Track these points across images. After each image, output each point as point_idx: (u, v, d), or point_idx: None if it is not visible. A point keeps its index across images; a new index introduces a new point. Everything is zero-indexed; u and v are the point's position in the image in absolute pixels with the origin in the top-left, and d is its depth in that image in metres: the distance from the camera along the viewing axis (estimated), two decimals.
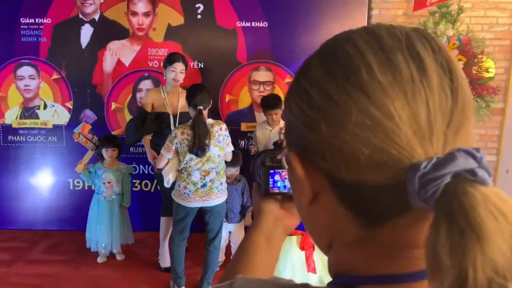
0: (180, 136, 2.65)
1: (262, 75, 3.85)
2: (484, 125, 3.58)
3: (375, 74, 0.37)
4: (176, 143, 2.67)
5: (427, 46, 0.39)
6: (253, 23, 3.78)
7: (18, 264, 3.35)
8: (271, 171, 0.72)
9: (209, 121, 2.71)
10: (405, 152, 0.36)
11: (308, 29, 3.78)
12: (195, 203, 2.76)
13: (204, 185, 2.73)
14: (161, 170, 2.84)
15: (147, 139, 3.20)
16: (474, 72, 3.07)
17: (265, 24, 3.78)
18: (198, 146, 2.60)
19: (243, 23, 3.79)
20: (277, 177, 0.73)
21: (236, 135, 3.84)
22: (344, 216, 0.41)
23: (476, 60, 3.10)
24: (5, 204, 4.08)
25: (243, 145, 3.88)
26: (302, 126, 0.41)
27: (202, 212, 2.89)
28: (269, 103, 3.36)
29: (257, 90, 3.87)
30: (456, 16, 3.27)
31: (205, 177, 2.72)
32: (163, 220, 3.26)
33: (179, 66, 3.08)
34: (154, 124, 3.15)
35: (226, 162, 2.93)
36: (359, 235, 0.41)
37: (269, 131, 3.38)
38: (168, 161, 2.77)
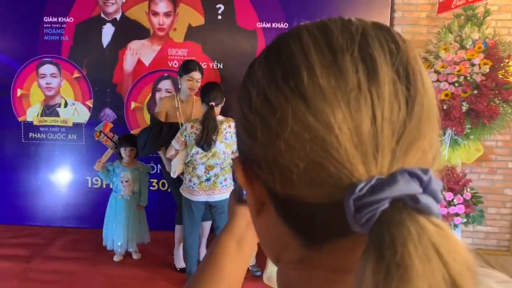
0: (189, 129, 2.74)
1: None
2: (510, 131, 3.49)
3: (317, 77, 0.32)
4: (185, 136, 2.76)
5: (384, 47, 0.34)
6: (273, 24, 3.76)
7: (36, 260, 3.38)
8: None
9: (219, 117, 2.77)
10: (344, 169, 0.31)
11: None
12: (199, 196, 2.82)
13: (208, 179, 2.80)
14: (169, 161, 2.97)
15: (163, 150, 3.16)
16: (500, 76, 2.98)
17: (286, 25, 3.75)
18: (205, 140, 2.68)
19: (264, 24, 3.77)
20: None
21: None
22: (286, 231, 0.37)
23: (502, 65, 3.00)
24: (25, 200, 4.13)
25: None
26: (242, 131, 0.38)
27: (210, 209, 2.94)
28: None
29: None
30: (482, 19, 3.18)
31: (209, 171, 2.78)
32: (177, 227, 3.26)
33: (196, 75, 3.03)
34: (169, 135, 3.14)
35: None
36: (301, 254, 0.37)
37: None
38: (177, 153, 2.87)
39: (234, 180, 0.75)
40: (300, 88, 0.33)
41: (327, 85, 0.32)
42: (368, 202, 0.29)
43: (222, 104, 2.82)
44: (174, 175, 2.93)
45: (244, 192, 0.70)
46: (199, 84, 3.09)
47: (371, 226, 0.29)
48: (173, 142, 2.84)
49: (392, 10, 3.73)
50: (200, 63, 3.76)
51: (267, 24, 3.76)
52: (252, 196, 0.39)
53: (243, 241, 0.68)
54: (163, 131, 3.10)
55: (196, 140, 2.71)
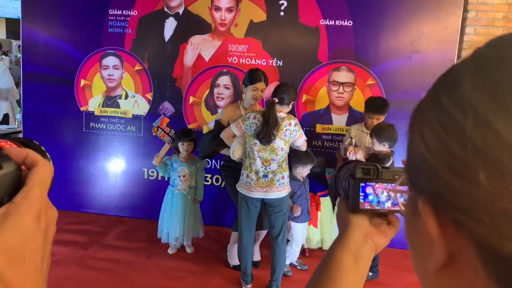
0: (252, 119, 2.75)
1: (343, 75, 3.71)
2: None
3: None
4: (247, 125, 2.77)
5: None
6: (337, 22, 3.65)
7: (93, 247, 3.47)
8: (362, 184, 0.65)
9: (281, 114, 2.76)
10: None
11: (395, 30, 3.59)
12: (256, 193, 2.79)
13: (265, 176, 2.77)
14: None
15: (223, 151, 3.13)
16: None
17: (350, 23, 3.63)
18: (265, 134, 2.68)
19: (327, 21, 3.67)
20: (369, 190, 0.65)
21: (310, 136, 3.75)
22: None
23: None
24: (83, 188, 4.26)
25: (320, 146, 3.77)
26: (444, 169, 0.30)
27: (265, 207, 2.90)
28: (375, 106, 3.21)
29: (336, 91, 3.74)
30: None
31: (266, 166, 2.75)
32: (233, 233, 3.24)
33: (260, 86, 2.97)
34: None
35: (299, 160, 3.06)
36: None
37: (366, 134, 3.23)
38: (232, 136, 2.89)
39: (343, 187, 0.70)
40: None
41: None
42: None
43: (288, 104, 2.78)
44: (233, 156, 2.90)
45: (380, 201, 0.65)
46: (263, 94, 3.04)
47: None
48: (232, 126, 2.85)
49: (465, 10, 3.53)
50: (260, 60, 3.74)
51: (330, 21, 3.66)
52: (440, 246, 0.32)
53: (360, 256, 0.63)
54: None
55: (256, 133, 2.71)
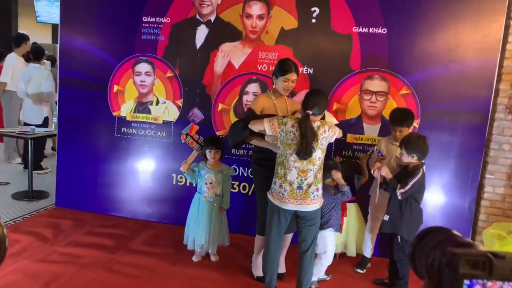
0: (289, 127, 2.62)
1: (376, 84, 3.60)
2: None
3: None
4: (282, 130, 2.64)
5: None
6: (371, 29, 3.56)
7: (120, 252, 3.50)
8: (467, 281, 0.50)
9: (316, 124, 2.65)
10: None
11: (432, 38, 3.46)
12: (290, 205, 2.68)
13: (300, 187, 2.65)
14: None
15: (257, 139, 2.98)
16: None
17: (384, 31, 3.53)
18: (305, 151, 2.57)
19: (360, 28, 3.58)
20: None
21: (341, 146, 3.66)
22: None
23: None
24: (113, 191, 4.33)
25: (351, 156, 3.67)
26: None
27: (296, 219, 2.80)
28: (396, 118, 3.16)
29: (369, 100, 3.63)
30: None
31: (302, 177, 2.64)
32: (258, 238, 3.18)
33: (292, 76, 2.93)
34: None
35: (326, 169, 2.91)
36: None
37: (396, 146, 3.13)
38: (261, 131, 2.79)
39: (427, 265, 0.55)
40: None
41: None
42: None
43: (321, 114, 2.69)
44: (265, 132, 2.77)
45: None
46: (294, 85, 3.00)
47: None
48: (266, 123, 2.68)
49: (508, 17, 3.36)
50: None
51: (364, 29, 3.57)
52: None
53: None
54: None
55: (296, 149, 2.60)
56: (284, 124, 2.64)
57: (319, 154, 2.66)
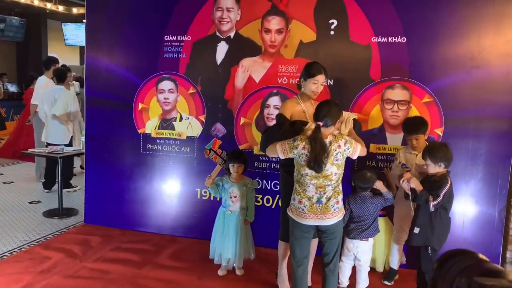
0: (300, 149, 2.60)
1: (397, 93, 3.58)
2: None
3: None
4: (294, 154, 2.64)
5: None
6: (390, 39, 3.55)
7: (147, 267, 3.55)
8: None
9: (329, 138, 2.59)
10: None
11: (452, 45, 3.42)
12: (310, 220, 2.65)
13: (319, 201, 2.63)
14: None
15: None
16: None
17: (403, 40, 3.51)
18: (314, 163, 2.54)
19: (379, 38, 3.58)
20: None
21: (364, 156, 3.61)
22: None
23: None
24: (139, 207, 4.40)
25: (374, 166, 3.64)
26: None
27: (318, 233, 2.78)
28: (409, 127, 3.18)
29: (390, 110, 3.60)
30: None
31: (320, 192, 2.62)
32: (281, 243, 3.17)
33: (321, 79, 2.95)
34: (293, 131, 2.90)
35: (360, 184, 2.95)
36: None
37: (415, 155, 3.13)
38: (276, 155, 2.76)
39: None
40: None
41: None
42: None
43: (334, 124, 2.62)
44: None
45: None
46: (322, 88, 3.03)
47: None
48: (278, 148, 2.68)
49: None
50: None
51: (383, 38, 3.57)
52: None
53: None
54: (286, 126, 2.94)
55: (307, 162, 2.58)
56: (296, 148, 2.61)
57: (334, 170, 2.59)
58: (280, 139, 2.75)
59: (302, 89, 3.04)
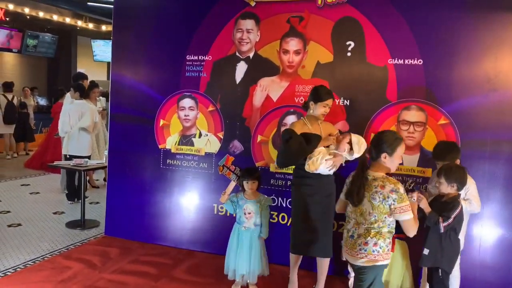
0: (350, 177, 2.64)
1: (413, 114, 3.60)
2: None
3: None
4: (346, 184, 2.67)
5: None
6: (406, 61, 3.59)
7: (163, 280, 3.63)
8: None
9: (376, 174, 2.47)
10: None
11: (469, 68, 3.43)
12: (345, 253, 2.63)
13: (351, 236, 2.53)
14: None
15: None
16: None
17: (420, 62, 3.55)
18: (351, 193, 2.50)
19: (396, 60, 3.62)
20: None
21: None
22: None
23: None
24: (158, 221, 4.51)
25: None
26: None
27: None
28: (437, 152, 3.20)
29: (406, 131, 3.62)
30: None
31: (356, 227, 2.51)
32: (292, 255, 3.25)
33: (330, 102, 3.19)
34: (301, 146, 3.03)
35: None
36: None
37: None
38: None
39: None
40: None
41: None
42: None
43: (382, 157, 2.50)
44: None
45: None
46: (329, 110, 3.25)
47: None
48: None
49: None
50: None
51: (399, 60, 3.61)
52: None
53: None
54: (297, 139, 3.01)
55: (346, 192, 2.61)
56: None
57: (369, 209, 2.41)
58: (292, 145, 2.94)
59: (311, 111, 3.14)
